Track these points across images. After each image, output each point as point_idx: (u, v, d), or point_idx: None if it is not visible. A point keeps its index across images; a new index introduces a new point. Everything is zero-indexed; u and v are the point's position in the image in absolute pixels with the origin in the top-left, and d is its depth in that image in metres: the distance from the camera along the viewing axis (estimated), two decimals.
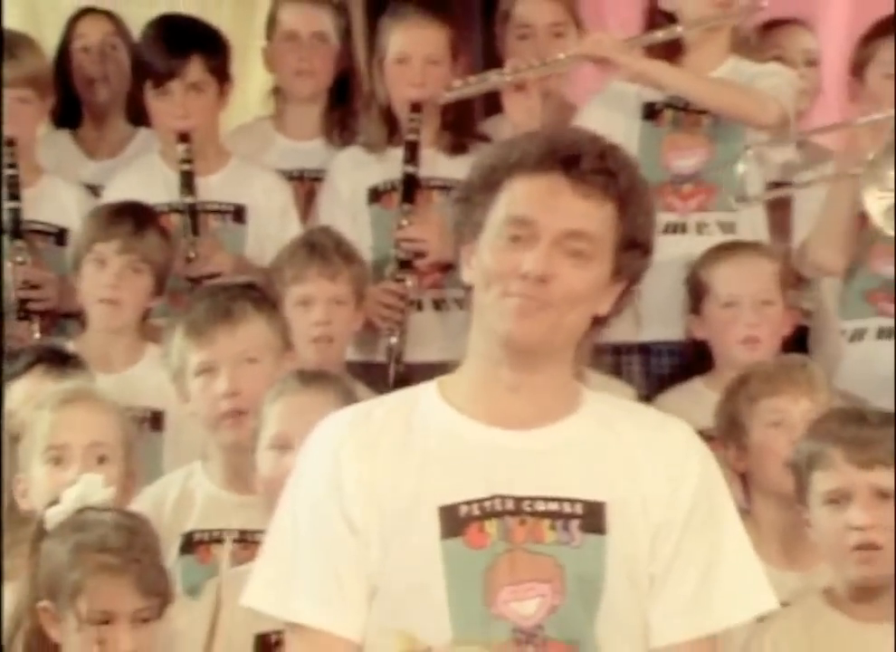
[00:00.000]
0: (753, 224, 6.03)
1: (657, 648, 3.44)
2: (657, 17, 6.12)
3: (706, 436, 4.29)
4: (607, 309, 3.47)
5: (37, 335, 5.97)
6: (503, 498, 3.42)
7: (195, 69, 6.02)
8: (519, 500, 3.42)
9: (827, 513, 4.39)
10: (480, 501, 3.42)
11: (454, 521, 3.44)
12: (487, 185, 3.49)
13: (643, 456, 3.53)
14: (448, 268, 5.82)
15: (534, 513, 3.44)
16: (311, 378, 4.76)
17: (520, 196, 3.44)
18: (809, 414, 4.88)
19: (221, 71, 6.09)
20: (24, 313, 5.92)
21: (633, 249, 3.44)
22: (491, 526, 3.44)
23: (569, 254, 3.37)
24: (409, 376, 5.78)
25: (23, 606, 4.10)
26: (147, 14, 6.87)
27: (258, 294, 5.21)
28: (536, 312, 3.42)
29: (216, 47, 6.19)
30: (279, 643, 4.26)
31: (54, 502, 4.19)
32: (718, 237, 5.92)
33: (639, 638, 3.47)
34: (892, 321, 6.04)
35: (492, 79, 6.09)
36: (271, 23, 6.42)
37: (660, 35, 5.99)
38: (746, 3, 6.26)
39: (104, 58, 6.44)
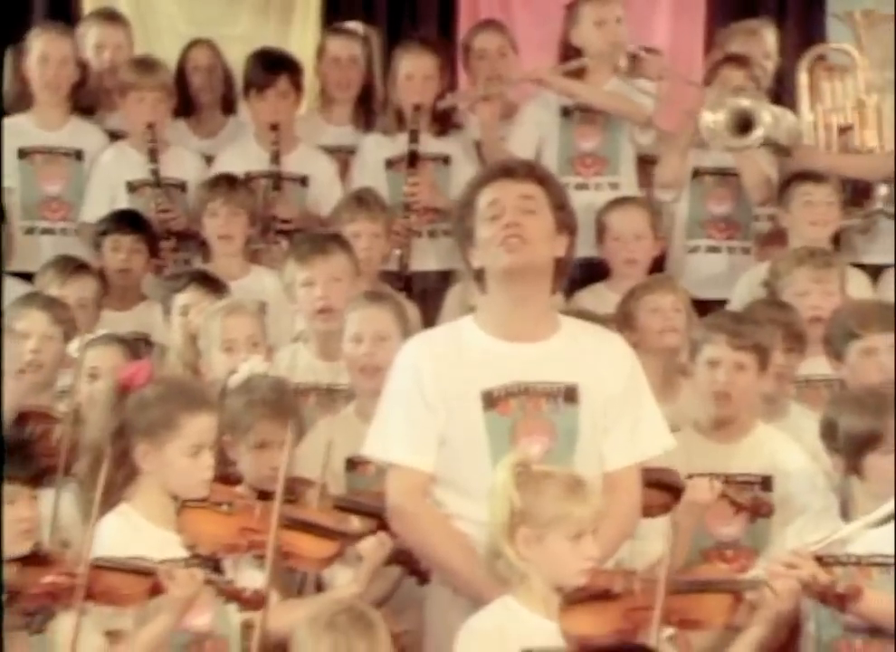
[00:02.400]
0: (630, 183, 6.27)
1: (607, 471, 3.96)
2: (569, 49, 6.31)
3: (609, 320, 4.96)
4: (562, 252, 3.99)
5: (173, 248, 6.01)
6: (518, 384, 3.92)
7: (283, 82, 6.18)
8: (527, 385, 3.92)
9: (705, 372, 4.62)
10: (505, 386, 3.92)
11: (490, 399, 3.92)
12: (467, 203, 4.00)
13: (598, 356, 4.04)
14: (437, 211, 6.17)
15: (536, 393, 3.95)
16: (375, 296, 5.07)
17: (487, 194, 3.94)
18: (674, 304, 5.17)
19: (298, 85, 6.28)
20: (166, 233, 6.00)
21: (560, 210, 3.99)
22: (513, 401, 3.93)
23: (523, 211, 3.88)
24: (411, 278, 6.10)
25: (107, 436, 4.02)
26: (229, 34, 7.20)
27: (341, 238, 5.43)
28: (517, 247, 3.87)
29: (296, 69, 6.34)
30: (353, 462, 4.64)
31: (234, 372, 4.55)
32: (608, 193, 6.13)
33: (598, 466, 3.95)
34: (719, 242, 6.15)
35: (469, 94, 6.44)
36: (321, 50, 6.59)
37: (574, 64, 6.19)
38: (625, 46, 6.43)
39: (208, 74, 6.50)
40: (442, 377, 3.99)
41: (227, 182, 5.91)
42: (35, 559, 3.72)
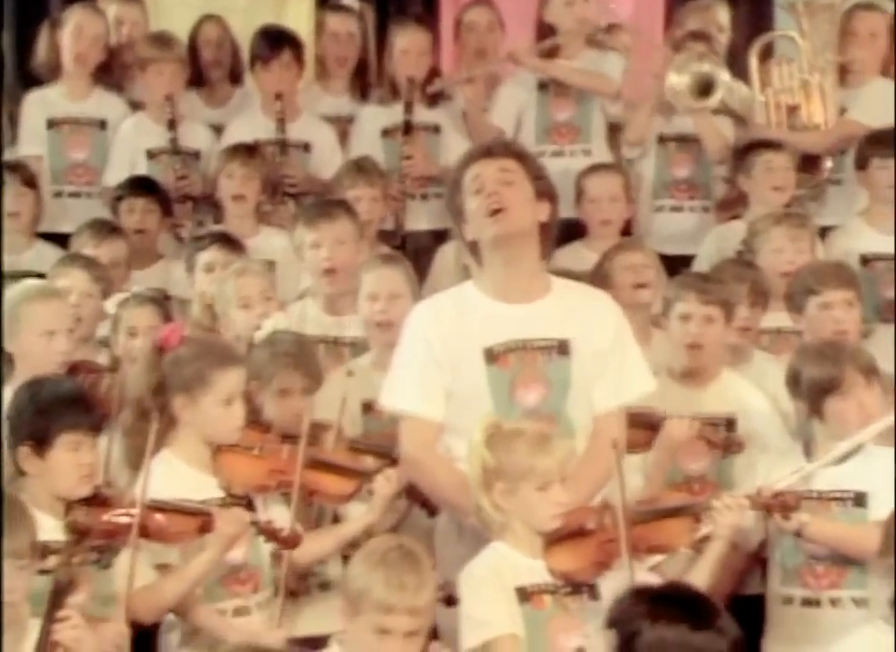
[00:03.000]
0: (601, 150, 6.22)
1: (596, 414, 4.02)
2: (543, 25, 6.28)
3: (587, 278, 4.87)
4: (545, 218, 4.05)
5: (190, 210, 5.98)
6: (516, 341, 3.98)
7: (286, 55, 6.13)
8: (524, 341, 3.98)
9: (678, 325, 4.64)
10: (504, 343, 3.98)
11: (491, 355, 3.98)
12: (456, 182, 4.07)
13: (587, 313, 4.09)
14: (428, 176, 6.13)
15: (532, 348, 4.00)
16: (388, 258, 5.08)
17: (471, 172, 4.01)
18: (644, 261, 5.16)
19: (299, 58, 6.21)
20: (182, 197, 5.95)
21: (538, 180, 4.07)
22: (511, 356, 3.99)
23: (502, 182, 3.96)
24: (406, 237, 6.04)
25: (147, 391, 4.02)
26: (232, 6, 6.86)
27: (346, 204, 5.37)
28: (502, 216, 3.93)
29: (297, 43, 6.27)
30: (368, 405, 4.60)
31: (258, 328, 4.60)
32: (582, 159, 6.10)
33: (588, 411, 4.02)
34: (681, 202, 6.12)
35: (455, 77, 6.35)
36: (320, 26, 6.51)
37: (547, 43, 6.17)
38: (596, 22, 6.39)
39: (217, 47, 6.45)
40: (447, 337, 4.04)
41: (245, 149, 5.88)
42: (97, 500, 3.75)
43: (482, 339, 4.00)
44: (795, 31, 6.27)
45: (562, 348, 4.01)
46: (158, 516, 3.73)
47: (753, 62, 6.24)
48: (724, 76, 5.93)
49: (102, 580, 3.73)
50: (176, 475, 3.88)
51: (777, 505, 3.95)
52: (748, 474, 4.36)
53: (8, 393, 4.21)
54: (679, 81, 5.90)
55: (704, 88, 5.90)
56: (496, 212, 3.97)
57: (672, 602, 2.78)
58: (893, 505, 3.94)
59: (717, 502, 3.84)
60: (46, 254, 5.68)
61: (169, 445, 3.93)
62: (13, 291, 4.56)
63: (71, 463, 3.73)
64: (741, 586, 4.40)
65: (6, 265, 5.20)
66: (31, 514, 3.53)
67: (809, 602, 4.19)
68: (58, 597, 3.36)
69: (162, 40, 6.25)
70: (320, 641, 3.85)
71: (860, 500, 4.15)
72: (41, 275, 5.38)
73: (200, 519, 3.77)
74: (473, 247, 4.13)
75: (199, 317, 5.06)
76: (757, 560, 4.35)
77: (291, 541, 3.89)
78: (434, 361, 4.03)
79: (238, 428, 3.97)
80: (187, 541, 3.79)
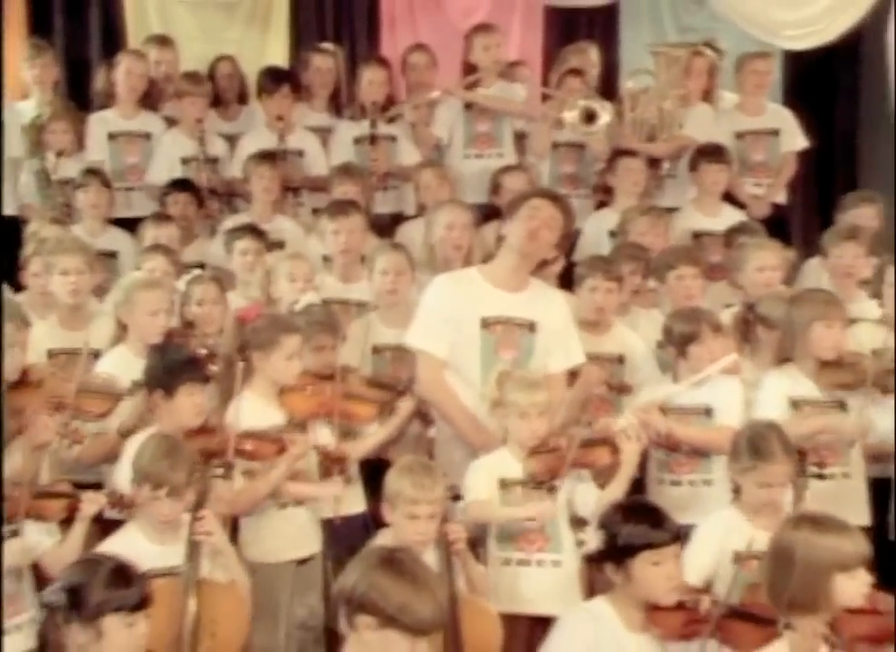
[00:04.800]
0: (510, 153, 6.14)
1: (549, 373, 4.10)
2: (467, 64, 6.27)
3: None
4: (552, 256, 4.20)
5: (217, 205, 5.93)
6: (502, 316, 4.14)
7: (286, 88, 6.09)
8: (508, 318, 4.14)
9: (587, 295, 4.61)
10: (495, 316, 4.13)
11: (485, 323, 4.13)
12: (521, 199, 4.18)
13: (549, 304, 4.23)
14: (389, 174, 6.06)
15: (512, 323, 4.15)
16: (395, 245, 5.05)
17: (534, 202, 4.12)
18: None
19: (296, 89, 6.17)
20: (210, 192, 5.90)
21: (566, 235, 4.23)
22: (498, 326, 4.14)
23: (549, 225, 4.09)
24: (372, 218, 5.67)
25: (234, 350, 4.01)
26: (227, 37, 7.02)
27: (356, 203, 5.32)
28: (535, 246, 4.06)
29: (294, 79, 6.25)
30: (377, 349, 4.62)
31: (296, 301, 4.55)
32: (497, 160, 6.05)
33: (543, 369, 4.09)
34: (570, 192, 5.91)
35: (405, 104, 6.27)
36: (307, 62, 6.41)
37: (470, 79, 6.18)
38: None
39: (229, 78, 6.47)
40: (456, 304, 4.15)
41: (270, 156, 5.82)
42: (205, 430, 3.88)
43: (480, 310, 4.12)
44: (652, 69, 6.34)
45: (531, 326, 4.15)
46: (249, 441, 3.83)
47: (625, 89, 6.37)
48: (602, 106, 5.90)
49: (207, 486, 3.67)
50: (255, 408, 3.94)
51: (653, 419, 4.10)
52: (637, 395, 4.45)
53: (122, 350, 4.33)
54: (570, 115, 5.90)
55: (589, 117, 5.89)
56: (533, 239, 4.09)
57: (636, 511, 3.11)
58: (732, 417, 4.14)
59: (622, 422, 3.89)
60: (115, 235, 5.68)
61: (249, 387, 3.98)
62: (127, 280, 4.54)
63: (189, 404, 3.85)
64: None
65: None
66: (188, 449, 3.57)
67: (675, 483, 4.27)
68: (198, 503, 3.49)
69: (195, 78, 6.21)
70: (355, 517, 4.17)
71: (708, 412, 4.26)
72: (112, 253, 5.55)
73: (277, 444, 3.87)
74: (500, 239, 4.24)
75: (260, 283, 4.90)
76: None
77: (338, 459, 4.01)
78: (444, 319, 4.12)
79: (296, 376, 4.04)
80: (269, 459, 3.85)
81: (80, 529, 3.49)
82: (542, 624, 3.54)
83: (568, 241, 4.42)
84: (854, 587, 3.00)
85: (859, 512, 4.17)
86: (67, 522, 3.51)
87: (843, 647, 3.05)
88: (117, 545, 3.43)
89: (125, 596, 2.82)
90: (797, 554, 3.00)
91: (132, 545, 3.41)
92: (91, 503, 3.49)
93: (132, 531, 3.54)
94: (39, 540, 3.49)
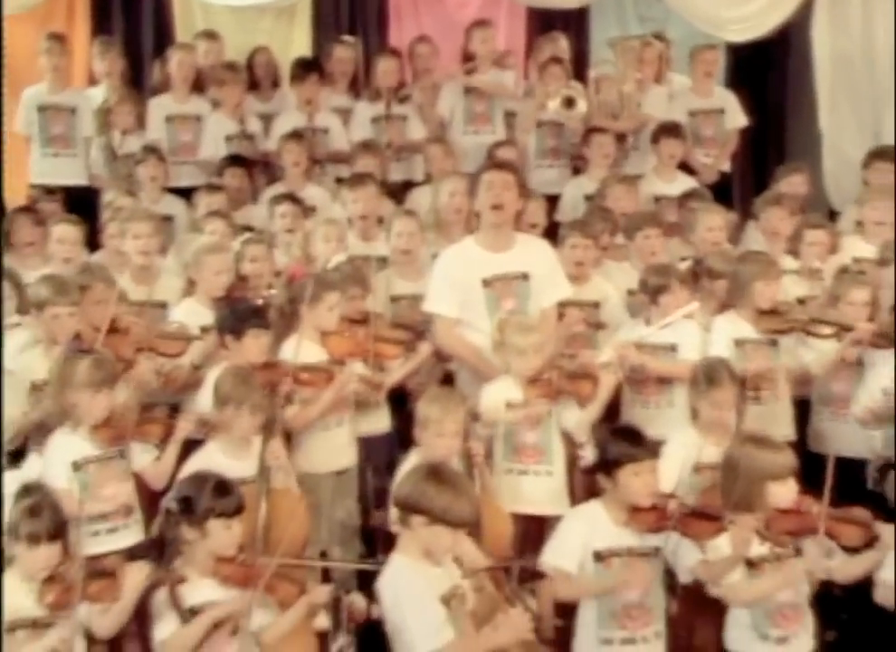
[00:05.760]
0: (501, 130, 6.15)
1: (543, 309, 4.21)
2: (466, 52, 6.34)
3: None
4: (521, 207, 4.30)
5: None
6: (499, 274, 4.20)
7: (314, 76, 6.11)
8: (504, 274, 4.21)
9: (568, 251, 4.60)
10: (494, 275, 4.19)
11: (486, 282, 4.19)
12: (478, 177, 4.20)
13: (537, 255, 4.31)
14: (402, 147, 6.06)
15: (508, 278, 4.22)
16: (408, 211, 5.07)
17: (487, 176, 4.18)
18: (535, 210, 5.01)
19: (322, 77, 6.18)
20: (251, 164, 5.85)
21: (521, 186, 4.28)
22: (498, 283, 4.20)
23: (504, 187, 4.11)
24: (387, 185, 5.68)
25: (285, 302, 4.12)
26: (259, 27, 6.87)
27: (373, 175, 5.32)
28: (500, 211, 4.08)
29: (321, 68, 6.24)
30: (394, 298, 4.63)
31: (329, 260, 4.65)
32: (490, 136, 6.10)
33: (538, 311, 4.18)
34: (552, 162, 6.00)
35: (415, 87, 6.29)
36: (330, 54, 6.40)
37: (469, 66, 6.25)
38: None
39: (266, 66, 6.47)
40: (460, 272, 4.23)
41: (299, 134, 5.81)
42: (268, 365, 3.99)
43: (481, 273, 4.20)
44: (612, 59, 6.47)
45: (524, 276, 4.22)
46: (304, 374, 3.95)
47: (592, 76, 6.49)
48: (580, 96, 5.96)
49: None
50: (303, 347, 4.01)
51: (630, 354, 4.15)
52: (615, 336, 4.45)
53: (191, 302, 4.43)
54: (553, 103, 5.95)
55: (569, 103, 5.94)
56: (496, 207, 4.14)
57: (623, 434, 3.28)
58: (692, 353, 4.21)
59: (604, 358, 4.02)
60: (171, 202, 5.70)
61: (298, 332, 4.07)
62: (196, 244, 4.60)
63: (255, 345, 3.99)
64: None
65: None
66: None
67: (644, 405, 4.35)
68: (267, 430, 3.63)
69: (233, 67, 6.20)
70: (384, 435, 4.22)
71: (674, 349, 4.35)
72: (168, 217, 5.53)
73: (327, 374, 4.00)
74: (478, 214, 4.26)
75: (300, 243, 4.92)
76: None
77: (377, 385, 4.15)
78: (452, 285, 4.22)
79: (337, 321, 4.16)
80: (322, 388, 3.97)
81: (174, 448, 3.67)
82: (536, 521, 3.76)
83: (525, 188, 4.41)
84: (784, 492, 3.20)
85: (786, 428, 4.28)
86: (163, 441, 3.69)
87: (772, 540, 3.21)
88: (200, 461, 3.58)
89: (226, 504, 3.02)
90: (741, 466, 3.22)
91: (213, 460, 3.56)
92: (184, 426, 3.66)
93: (212, 448, 3.68)
94: (142, 457, 3.68)
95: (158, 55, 6.48)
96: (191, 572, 3.03)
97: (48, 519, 2.94)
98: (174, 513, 3.02)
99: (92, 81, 6.40)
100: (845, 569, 3.22)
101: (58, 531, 2.95)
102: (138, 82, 6.47)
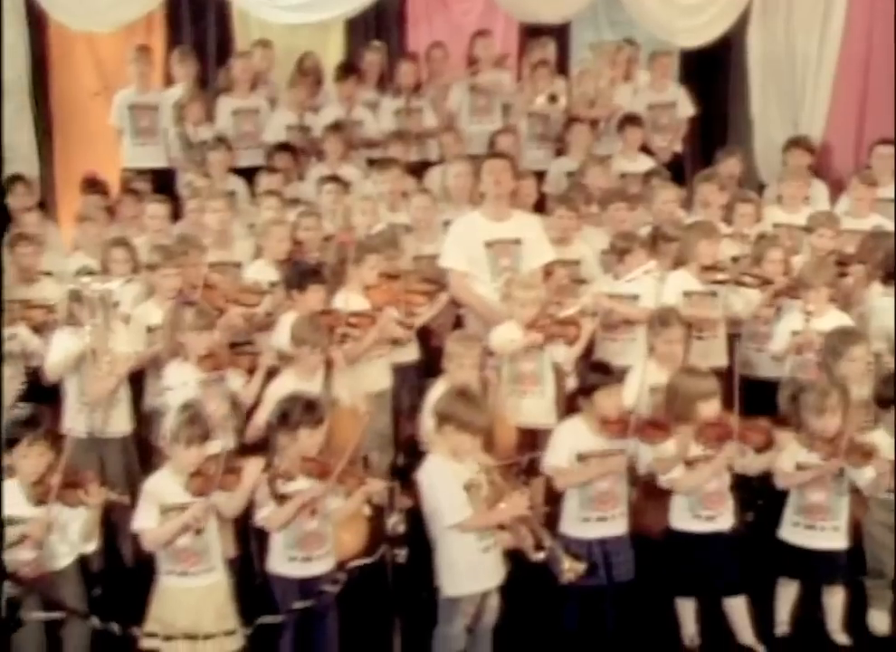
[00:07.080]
0: (499, 119, 6.17)
1: (531, 269, 4.21)
2: (472, 56, 6.37)
3: None
4: (514, 185, 4.28)
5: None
6: (498, 239, 4.28)
7: (353, 77, 6.15)
8: (502, 239, 4.28)
9: (555, 221, 4.59)
10: (494, 239, 4.27)
11: (488, 244, 4.27)
12: (481, 162, 4.24)
13: (528, 224, 4.34)
14: (421, 134, 6.01)
15: (505, 242, 4.29)
16: (423, 190, 5.06)
17: (489, 163, 4.26)
18: (526, 188, 4.94)
19: (360, 79, 6.21)
20: (302, 150, 5.77)
21: (515, 169, 4.33)
22: (497, 245, 4.28)
23: (503, 172, 4.20)
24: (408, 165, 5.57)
25: (336, 264, 4.15)
26: (303, 33, 6.54)
27: (395, 159, 5.28)
28: (500, 191, 4.11)
29: (359, 71, 6.26)
30: (417, 258, 4.60)
31: (369, 228, 4.66)
32: (490, 125, 6.07)
33: (529, 269, 4.18)
34: (540, 144, 5.99)
35: (430, 85, 6.25)
36: (361, 57, 6.37)
37: (475, 67, 6.27)
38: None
39: (314, 69, 6.39)
40: (467, 236, 4.30)
41: (339, 125, 5.81)
42: (326, 312, 4.02)
43: (483, 237, 4.28)
44: (591, 58, 6.56)
45: (517, 241, 4.30)
46: (354, 318, 4.08)
47: (574, 74, 6.47)
48: (562, 93, 6.01)
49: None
50: (351, 298, 4.17)
51: (602, 301, 4.24)
52: (591, 288, 4.56)
53: (260, 263, 4.52)
54: (540, 99, 6.02)
55: (552, 99, 6.02)
56: (497, 187, 4.24)
57: (597, 368, 3.47)
58: (650, 301, 4.18)
59: (583, 304, 4.08)
60: (234, 180, 5.69)
61: (346, 286, 4.22)
62: (262, 218, 4.63)
63: (316, 297, 4.13)
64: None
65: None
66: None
67: (613, 340, 4.38)
68: (328, 360, 3.73)
69: (304, 72, 6.19)
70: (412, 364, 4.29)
71: (636, 298, 4.39)
72: (232, 192, 5.44)
73: (371, 318, 4.11)
74: (482, 195, 4.31)
75: (344, 215, 4.87)
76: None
77: (408, 326, 4.27)
78: (461, 245, 4.30)
79: (376, 278, 4.26)
80: (367, 328, 4.08)
81: (259, 374, 3.88)
82: (531, 432, 3.91)
83: (518, 171, 4.44)
84: (709, 409, 3.43)
85: (721, 359, 4.43)
86: (250, 370, 3.91)
87: (703, 444, 3.45)
88: (279, 385, 3.79)
89: (312, 417, 3.24)
90: (679, 389, 3.49)
91: (287, 384, 3.77)
92: (267, 359, 3.87)
93: (287, 375, 3.88)
94: (235, 381, 3.90)
95: (220, 59, 6.49)
96: (284, 469, 3.26)
97: (201, 427, 3.17)
98: (273, 425, 3.24)
99: (168, 81, 6.40)
100: (753, 463, 3.49)
101: (207, 436, 3.18)
102: (204, 83, 6.49)
